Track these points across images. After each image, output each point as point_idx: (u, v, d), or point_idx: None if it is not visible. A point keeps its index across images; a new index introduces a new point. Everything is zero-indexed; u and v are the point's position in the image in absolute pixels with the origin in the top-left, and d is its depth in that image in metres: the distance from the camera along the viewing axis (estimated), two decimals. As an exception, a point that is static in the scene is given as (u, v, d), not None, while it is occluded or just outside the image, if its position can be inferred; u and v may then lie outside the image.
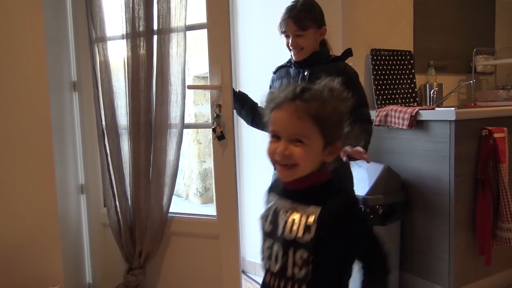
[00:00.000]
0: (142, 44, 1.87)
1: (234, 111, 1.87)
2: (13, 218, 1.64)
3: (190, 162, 4.66)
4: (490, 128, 1.94)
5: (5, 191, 1.63)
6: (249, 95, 1.89)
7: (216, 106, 1.83)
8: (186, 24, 1.86)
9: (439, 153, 1.94)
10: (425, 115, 1.95)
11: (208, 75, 1.86)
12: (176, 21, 1.86)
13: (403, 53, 2.62)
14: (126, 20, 1.87)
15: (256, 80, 2.38)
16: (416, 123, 1.98)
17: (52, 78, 1.77)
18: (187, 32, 1.87)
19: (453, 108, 1.89)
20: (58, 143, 1.83)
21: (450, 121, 1.87)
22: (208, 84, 1.87)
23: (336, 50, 2.34)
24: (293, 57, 1.71)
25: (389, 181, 2.01)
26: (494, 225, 2.00)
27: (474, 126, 1.94)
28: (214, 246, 1.93)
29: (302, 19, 1.63)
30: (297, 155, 0.93)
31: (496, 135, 1.93)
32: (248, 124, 1.90)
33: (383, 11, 2.57)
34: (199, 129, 4.54)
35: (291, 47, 1.68)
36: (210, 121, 1.88)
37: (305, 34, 1.64)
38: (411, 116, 1.98)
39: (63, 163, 1.92)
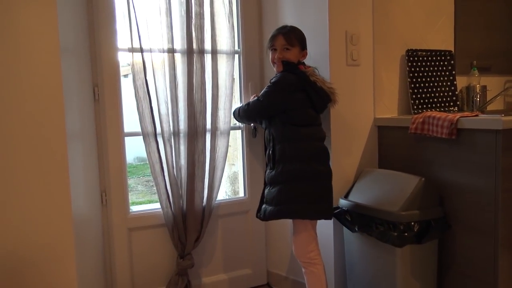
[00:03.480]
0: (196, 60, 2.18)
1: None
2: (24, 230, 1.60)
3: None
4: (542, 137, 1.73)
5: (17, 202, 1.59)
6: None
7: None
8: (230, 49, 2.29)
9: (484, 165, 1.75)
10: (468, 123, 1.77)
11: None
12: (226, 44, 2.27)
13: (442, 53, 2.42)
14: (182, 38, 2.17)
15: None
16: (457, 132, 1.80)
17: (68, 87, 1.73)
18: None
19: (500, 116, 1.70)
20: (75, 152, 1.78)
21: (496, 130, 1.68)
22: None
23: (368, 52, 2.20)
24: (276, 69, 1.97)
25: (425, 195, 1.84)
26: (546, 246, 1.79)
27: (523, 135, 1.74)
28: (244, 220, 2.48)
29: (291, 36, 1.93)
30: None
31: (549, 145, 1.72)
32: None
33: (421, 7, 2.38)
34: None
35: (275, 61, 1.94)
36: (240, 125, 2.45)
37: (291, 50, 1.92)
38: (451, 124, 1.80)
39: (80, 172, 1.88)
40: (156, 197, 2.23)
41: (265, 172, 1.97)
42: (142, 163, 7.73)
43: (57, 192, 1.66)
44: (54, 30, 1.64)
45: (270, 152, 1.90)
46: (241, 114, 2.07)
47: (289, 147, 1.85)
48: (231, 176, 4.72)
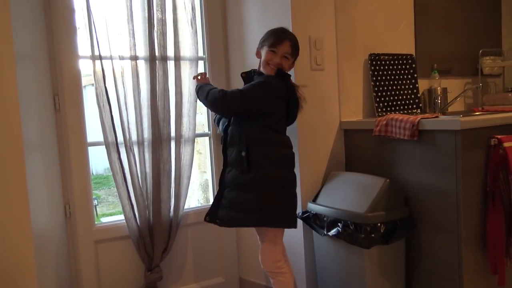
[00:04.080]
0: (159, 67, 2.14)
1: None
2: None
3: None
4: (499, 136, 1.78)
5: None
6: None
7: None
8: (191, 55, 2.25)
9: (445, 165, 1.79)
10: (428, 124, 1.80)
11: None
12: (189, 51, 2.24)
13: (404, 57, 2.48)
14: (145, 44, 2.13)
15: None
16: (419, 133, 1.84)
17: (25, 95, 1.67)
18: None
19: (458, 117, 1.74)
20: (34, 163, 1.72)
21: (455, 130, 1.72)
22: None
23: (331, 56, 2.23)
24: (266, 72, 1.86)
25: (391, 196, 1.86)
26: (507, 242, 1.84)
27: (481, 135, 1.79)
28: (214, 227, 2.14)
29: (296, 47, 1.88)
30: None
31: (506, 144, 1.77)
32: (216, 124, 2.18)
33: (382, 12, 2.43)
34: (198, 140, 4.47)
35: (270, 64, 1.84)
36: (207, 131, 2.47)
37: (290, 60, 1.87)
38: (413, 125, 1.83)
39: (40, 185, 1.81)
40: None
41: (225, 173, 1.87)
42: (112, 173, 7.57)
43: (15, 206, 1.59)
44: (7, 35, 1.58)
45: (243, 154, 1.77)
46: (209, 98, 1.85)
47: (271, 152, 1.79)
48: (203, 183, 4.67)
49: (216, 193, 1.91)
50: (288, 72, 1.89)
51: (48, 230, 1.88)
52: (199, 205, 2.86)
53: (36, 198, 1.68)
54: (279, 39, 1.83)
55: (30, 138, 1.69)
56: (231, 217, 1.82)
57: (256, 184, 1.77)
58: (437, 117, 1.87)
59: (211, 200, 2.54)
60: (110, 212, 6.04)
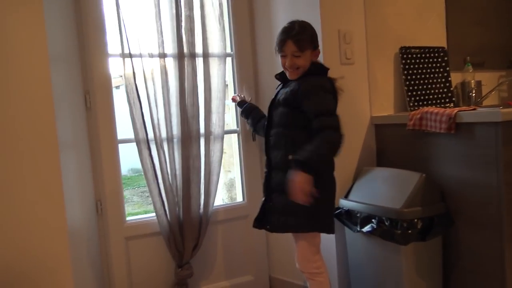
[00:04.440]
0: (187, 64, 2.13)
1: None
2: (19, 243, 1.54)
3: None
4: (542, 128, 1.71)
5: (10, 215, 1.53)
6: (257, 108, 2.22)
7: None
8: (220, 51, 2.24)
9: (484, 159, 1.72)
10: (466, 117, 1.74)
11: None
12: (217, 47, 2.22)
13: (435, 49, 2.41)
14: (173, 41, 2.13)
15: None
16: (456, 126, 1.78)
17: (59, 95, 1.69)
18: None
19: (498, 108, 1.68)
20: (68, 161, 1.74)
21: (496, 122, 1.66)
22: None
23: (361, 50, 2.18)
24: (288, 76, 1.80)
25: (427, 191, 1.81)
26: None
27: (523, 127, 1.72)
28: (244, 225, 2.38)
29: (300, 40, 1.72)
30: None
31: (549, 136, 1.70)
32: (251, 128, 2.25)
33: (412, 4, 2.37)
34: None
35: (287, 67, 1.77)
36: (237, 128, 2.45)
37: (303, 55, 1.73)
38: (449, 118, 1.77)
39: (74, 182, 1.83)
40: (151, 207, 2.18)
41: (270, 177, 1.80)
42: (136, 174, 7.65)
43: (51, 203, 1.61)
44: (42, 37, 1.61)
45: (291, 157, 1.65)
46: (329, 150, 1.66)
47: None
48: (228, 183, 4.68)
49: (263, 198, 1.85)
50: (314, 60, 1.79)
51: (81, 226, 1.89)
52: (224, 203, 2.85)
53: (69, 195, 1.69)
54: (281, 42, 1.74)
55: (64, 136, 1.71)
56: (283, 223, 1.75)
57: None
58: (474, 109, 1.80)
59: (237, 199, 2.54)
60: (135, 212, 6.10)
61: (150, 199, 2.18)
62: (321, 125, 1.64)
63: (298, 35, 1.72)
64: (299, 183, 1.57)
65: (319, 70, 1.79)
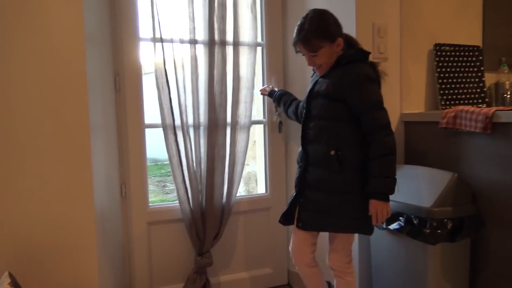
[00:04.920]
0: (218, 51, 2.12)
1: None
2: (47, 220, 1.56)
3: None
4: None
5: (40, 192, 1.54)
6: (288, 93, 2.16)
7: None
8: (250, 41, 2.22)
9: (521, 161, 1.67)
10: (505, 116, 1.68)
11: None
12: (248, 36, 2.20)
13: (470, 48, 2.34)
14: (204, 28, 2.12)
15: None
16: (492, 126, 1.72)
17: (91, 76, 1.69)
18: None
19: (539, 109, 1.62)
20: (97, 143, 1.74)
21: (536, 123, 1.60)
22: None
23: (395, 45, 2.14)
24: (321, 73, 1.71)
25: (458, 191, 1.76)
26: None
27: None
28: (265, 217, 2.41)
29: (311, 41, 1.61)
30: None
31: None
32: (285, 114, 2.17)
33: (449, 2, 2.31)
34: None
35: (313, 66, 1.70)
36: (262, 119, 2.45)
37: (319, 53, 1.63)
38: (486, 117, 1.72)
39: (101, 163, 1.83)
40: (168, 196, 2.20)
41: (306, 172, 1.71)
42: (153, 164, 7.72)
43: (79, 183, 1.62)
44: (79, 16, 1.61)
45: (333, 153, 1.60)
46: (392, 164, 1.59)
47: (362, 154, 1.61)
48: (245, 176, 4.65)
49: (294, 193, 1.76)
50: (339, 50, 1.66)
51: (105, 208, 1.90)
52: (246, 194, 2.83)
53: (96, 176, 1.70)
54: (294, 44, 1.67)
55: (94, 117, 1.71)
56: (323, 222, 1.68)
57: (349, 188, 1.62)
58: (513, 109, 1.74)
59: (255, 192, 2.52)
60: (152, 201, 6.12)
61: (165, 188, 2.18)
62: (373, 125, 1.58)
63: (307, 36, 1.61)
64: (380, 211, 1.58)
65: (360, 56, 1.68)
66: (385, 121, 1.61)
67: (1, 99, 1.50)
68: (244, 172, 4.59)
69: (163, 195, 6.38)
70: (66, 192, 1.58)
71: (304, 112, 1.76)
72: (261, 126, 2.45)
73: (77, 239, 1.60)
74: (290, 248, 1.82)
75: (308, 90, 1.76)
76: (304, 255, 1.77)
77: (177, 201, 2.14)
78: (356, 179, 1.62)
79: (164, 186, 6.74)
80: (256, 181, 4.35)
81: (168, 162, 2.13)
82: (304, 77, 2.30)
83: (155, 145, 2.13)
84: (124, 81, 2.05)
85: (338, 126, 1.63)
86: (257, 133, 2.75)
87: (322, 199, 1.65)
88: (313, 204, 1.68)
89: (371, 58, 2.06)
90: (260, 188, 2.54)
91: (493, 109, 1.73)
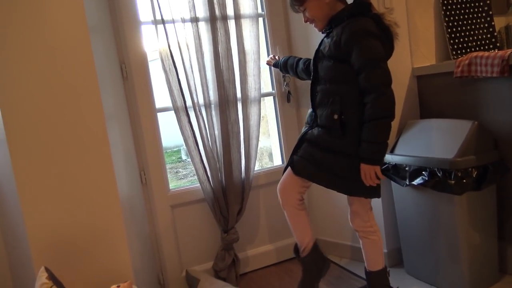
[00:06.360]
0: (220, 26, 2.08)
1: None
2: (77, 211, 1.57)
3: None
4: None
5: (65, 187, 1.55)
6: (292, 57, 2.14)
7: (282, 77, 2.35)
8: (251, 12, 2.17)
9: (541, 101, 1.64)
10: (522, 57, 1.65)
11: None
12: (248, 8, 2.15)
13: (477, -7, 2.28)
14: (204, 4, 2.07)
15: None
16: (510, 69, 1.68)
17: (99, 66, 1.66)
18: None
19: (557, 45, 1.58)
20: (113, 132, 1.73)
21: (555, 60, 1.56)
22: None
23: (400, -2, 2.08)
24: (319, 30, 1.72)
25: (480, 139, 1.74)
26: None
27: None
28: None
29: None
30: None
31: None
32: (296, 77, 2.16)
33: None
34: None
35: (309, 22, 1.71)
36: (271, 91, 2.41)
37: (307, 6, 1.65)
38: (502, 60, 1.68)
39: (119, 153, 1.83)
40: (182, 181, 2.19)
41: (320, 132, 1.67)
42: (164, 151, 7.76)
43: (102, 174, 1.62)
44: (80, 5, 1.57)
45: (336, 117, 1.59)
46: (386, 128, 1.55)
47: (358, 116, 1.58)
48: (258, 152, 4.67)
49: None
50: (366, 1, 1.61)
51: (130, 196, 1.91)
52: (264, 167, 2.83)
53: (117, 165, 1.70)
54: (291, 7, 1.73)
55: (108, 107, 1.70)
56: (311, 171, 1.68)
57: (349, 150, 1.60)
58: (529, 49, 1.70)
59: (277, 161, 2.51)
60: (168, 187, 6.17)
61: (179, 174, 2.18)
62: (366, 86, 1.53)
63: None
64: (368, 174, 1.56)
65: (359, 8, 1.59)
66: (378, 81, 1.52)
67: (18, 100, 1.48)
68: (256, 148, 4.60)
69: (177, 181, 6.41)
70: (91, 185, 1.58)
71: (312, 74, 1.74)
72: (271, 98, 2.43)
73: (107, 228, 1.61)
74: (278, 186, 1.79)
75: (315, 50, 1.73)
76: (290, 196, 1.75)
77: (196, 183, 2.15)
78: (356, 142, 1.59)
79: (176, 172, 6.76)
80: (268, 156, 4.34)
81: (176, 149, 2.12)
82: (308, 43, 2.26)
83: (162, 133, 2.12)
84: (130, 68, 2.02)
85: (343, 89, 1.60)
86: (267, 106, 2.73)
87: (318, 154, 1.66)
88: (309, 155, 1.68)
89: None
90: (276, 160, 2.54)
91: (509, 51, 1.70)
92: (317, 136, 1.68)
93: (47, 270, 1.43)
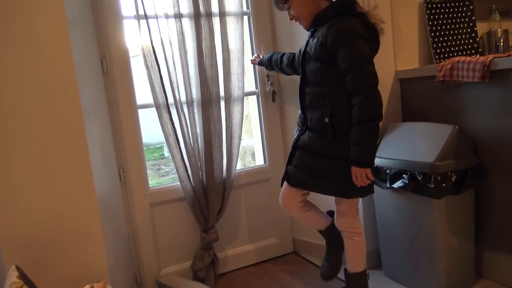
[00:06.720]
0: (204, 23, 2.05)
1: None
2: (51, 208, 1.53)
3: (228, 141, 4.48)
4: None
5: (40, 184, 1.50)
6: (275, 53, 2.11)
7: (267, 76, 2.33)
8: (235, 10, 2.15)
9: (520, 107, 1.66)
10: (502, 63, 1.66)
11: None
12: (233, 5, 2.13)
13: (460, -2, 2.30)
14: (188, 1, 2.05)
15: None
16: (490, 74, 1.70)
17: (78, 61, 1.62)
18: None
19: (537, 52, 1.60)
20: (91, 128, 1.69)
21: (534, 67, 1.58)
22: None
23: (385, 0, 2.08)
24: (304, 27, 1.70)
25: (460, 143, 1.75)
26: None
27: (562, 72, 1.64)
28: (266, 188, 2.41)
29: None
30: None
31: None
32: (282, 73, 2.13)
33: (436, -49, 2.25)
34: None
35: (295, 20, 1.69)
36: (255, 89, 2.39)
37: (291, 4, 1.63)
38: (483, 66, 1.70)
39: (97, 149, 1.79)
40: (164, 179, 2.16)
41: (302, 135, 1.69)
42: (145, 148, 7.65)
43: (79, 171, 1.58)
44: (60, 1, 1.53)
45: (327, 120, 1.57)
46: (374, 129, 1.53)
47: (349, 118, 1.55)
48: (240, 150, 4.64)
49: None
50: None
51: (107, 194, 1.87)
52: (246, 167, 2.81)
53: (94, 162, 1.66)
54: (275, 5, 1.71)
55: (86, 103, 1.66)
56: (305, 180, 1.68)
57: (340, 153, 1.58)
58: (510, 55, 1.72)
59: (259, 161, 2.50)
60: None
61: (161, 171, 2.15)
62: (352, 88, 1.51)
63: None
64: (359, 176, 1.56)
65: (343, 7, 1.56)
66: (365, 82, 1.51)
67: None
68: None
69: (159, 177, 6.35)
70: (67, 181, 1.54)
71: (300, 76, 1.73)
72: (254, 97, 2.41)
73: (82, 227, 1.57)
74: (279, 199, 1.84)
75: (302, 51, 1.70)
76: (293, 206, 1.81)
77: (177, 181, 2.12)
78: (348, 144, 1.57)
79: (159, 169, 6.69)
80: (251, 155, 4.33)
81: (159, 145, 2.09)
82: (293, 42, 2.25)
83: (145, 130, 2.08)
84: (111, 63, 1.98)
85: (332, 92, 1.58)
86: (251, 105, 2.71)
87: (311, 161, 1.66)
88: (303, 163, 1.68)
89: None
90: (259, 160, 2.52)
91: (490, 57, 1.71)
92: (309, 141, 1.67)
93: (18, 268, 1.38)
